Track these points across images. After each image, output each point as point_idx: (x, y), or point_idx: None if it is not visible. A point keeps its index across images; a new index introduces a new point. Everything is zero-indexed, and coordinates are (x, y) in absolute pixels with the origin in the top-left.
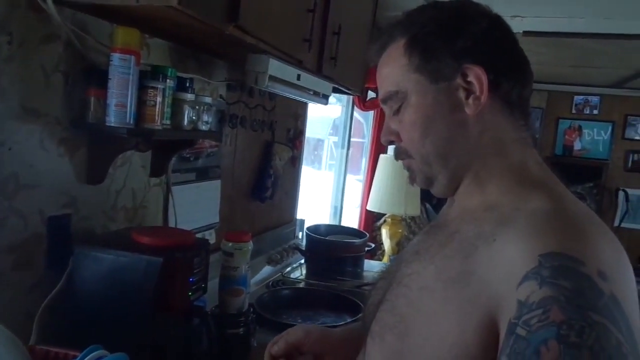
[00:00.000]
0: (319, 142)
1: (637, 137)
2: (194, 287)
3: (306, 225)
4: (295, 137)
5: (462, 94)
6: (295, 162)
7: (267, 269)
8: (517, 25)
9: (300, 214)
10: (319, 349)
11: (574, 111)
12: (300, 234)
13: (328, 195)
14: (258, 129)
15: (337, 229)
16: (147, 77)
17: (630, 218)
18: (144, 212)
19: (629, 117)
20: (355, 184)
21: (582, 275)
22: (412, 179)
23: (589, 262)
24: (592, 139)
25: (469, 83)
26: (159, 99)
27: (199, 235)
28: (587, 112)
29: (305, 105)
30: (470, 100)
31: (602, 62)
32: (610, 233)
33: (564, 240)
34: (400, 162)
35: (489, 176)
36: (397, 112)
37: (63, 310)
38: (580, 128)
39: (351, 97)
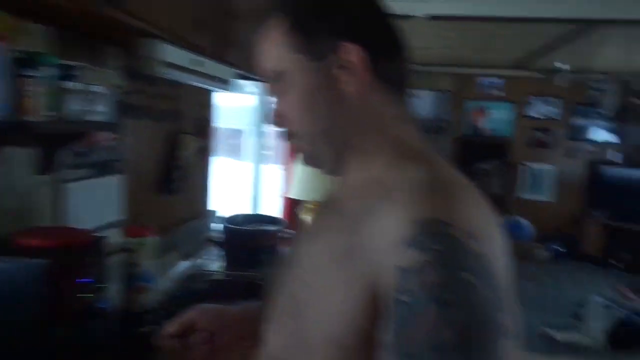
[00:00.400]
0: (237, 133)
1: (536, 115)
2: (88, 288)
3: (220, 216)
4: (203, 127)
5: (340, 72)
6: (204, 153)
7: (182, 264)
8: (425, 9)
9: (218, 206)
10: (214, 326)
11: (479, 92)
12: (216, 225)
13: (248, 185)
14: (161, 119)
15: (255, 218)
16: (22, 65)
17: (532, 190)
18: (33, 213)
19: (528, 96)
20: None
21: (452, 237)
22: (302, 160)
23: (457, 224)
24: (497, 118)
25: (346, 61)
26: (36, 89)
27: (101, 234)
28: (492, 93)
29: (211, 93)
30: (349, 79)
31: (504, 44)
32: (479, 196)
33: (435, 205)
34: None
35: (371, 152)
36: (281, 92)
37: None
38: (485, 109)
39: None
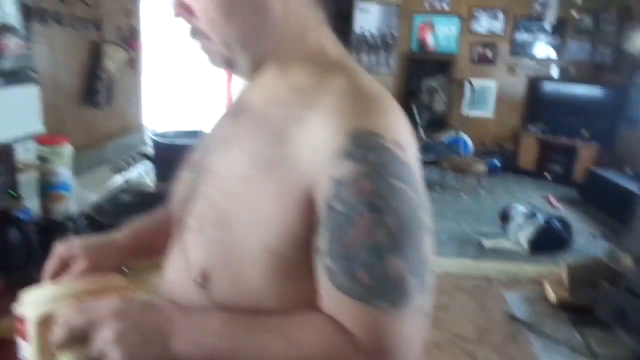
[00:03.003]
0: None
1: (480, 30)
2: (2, 197)
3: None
4: (129, 36)
5: None
6: (134, 65)
7: (114, 179)
8: None
9: (155, 122)
10: (92, 258)
11: (426, 6)
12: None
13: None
14: (80, 27)
15: (188, 133)
16: None
17: (475, 106)
18: None
19: (473, 9)
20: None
21: (384, 148)
22: (212, 62)
23: (387, 135)
24: (443, 34)
25: None
26: None
27: (18, 146)
28: (438, 6)
29: (136, 1)
30: None
31: None
32: (398, 106)
33: (366, 117)
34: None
35: (291, 60)
36: None
37: None
38: (432, 24)
39: None
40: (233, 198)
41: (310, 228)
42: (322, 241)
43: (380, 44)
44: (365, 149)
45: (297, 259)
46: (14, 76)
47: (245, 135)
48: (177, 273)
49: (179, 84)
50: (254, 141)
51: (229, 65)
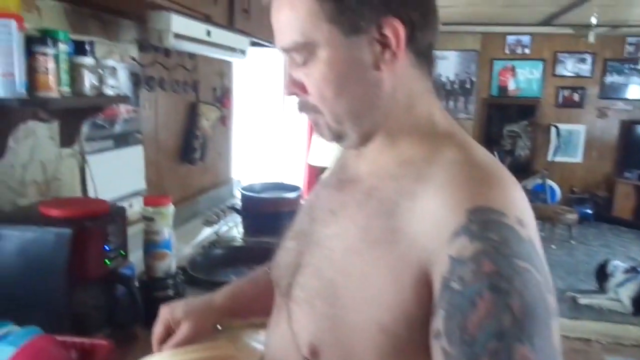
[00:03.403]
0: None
1: (566, 74)
2: (111, 255)
3: (244, 184)
4: (222, 95)
5: (377, 49)
6: (225, 122)
7: (205, 231)
8: None
9: (240, 174)
10: (196, 321)
11: (507, 51)
12: (238, 193)
13: (269, 152)
14: (180, 90)
15: (273, 186)
16: (36, 42)
17: (561, 152)
18: (58, 185)
19: (558, 54)
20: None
21: (506, 226)
22: (319, 134)
23: (509, 212)
24: (525, 78)
25: (384, 37)
26: (51, 65)
27: (124, 203)
28: (520, 51)
29: (230, 62)
30: (387, 56)
31: (530, 0)
32: (514, 178)
33: (486, 192)
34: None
35: (400, 131)
36: (304, 64)
37: None
38: (513, 68)
39: None
40: (342, 271)
41: (425, 307)
42: (439, 322)
43: (459, 90)
44: (486, 227)
45: (411, 339)
46: (123, 138)
47: (354, 206)
48: (283, 344)
49: (263, 137)
50: (364, 213)
51: (338, 138)
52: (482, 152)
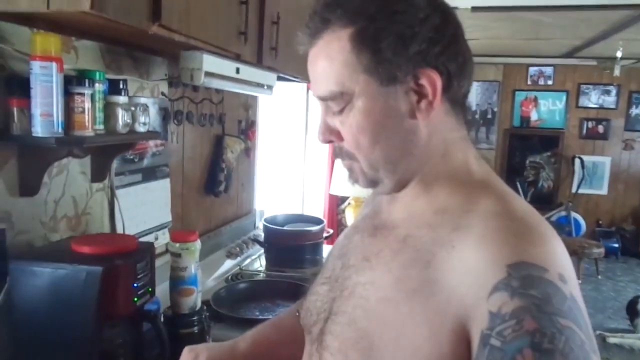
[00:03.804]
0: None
1: (590, 105)
2: (139, 293)
3: (266, 215)
4: (247, 128)
5: (413, 98)
6: (249, 154)
7: (227, 263)
8: (465, 2)
9: (261, 205)
10: None
11: (529, 82)
12: (260, 225)
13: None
14: (206, 123)
15: (296, 218)
16: (73, 83)
17: (586, 184)
18: (87, 219)
19: (581, 85)
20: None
21: (548, 282)
22: (353, 180)
23: (551, 268)
24: (548, 109)
25: (421, 86)
26: (87, 105)
27: (150, 237)
28: (542, 82)
29: (255, 95)
30: (423, 105)
31: (552, 33)
32: (554, 231)
33: (527, 247)
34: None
35: (435, 178)
36: (340, 112)
37: (3, 330)
38: (536, 99)
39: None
40: (377, 321)
41: None
42: None
43: (480, 120)
44: (527, 282)
45: None
46: (151, 172)
47: (389, 254)
48: None
49: (285, 168)
50: (399, 262)
51: (373, 184)
52: (520, 203)
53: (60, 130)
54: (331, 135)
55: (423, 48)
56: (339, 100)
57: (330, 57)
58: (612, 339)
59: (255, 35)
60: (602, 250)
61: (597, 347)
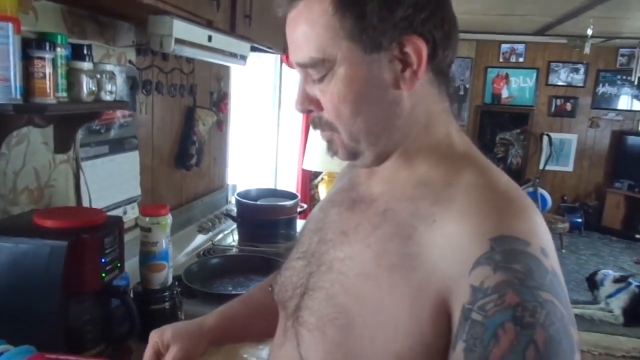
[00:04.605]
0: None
1: (559, 83)
2: (107, 268)
3: (238, 190)
4: (219, 100)
5: (398, 67)
6: (222, 126)
7: (199, 238)
8: None
9: (234, 179)
10: (185, 342)
11: (501, 59)
12: (233, 199)
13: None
14: (177, 94)
15: (269, 192)
16: (33, 46)
17: (553, 161)
18: (51, 191)
19: (551, 63)
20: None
21: (530, 256)
22: (333, 152)
23: (533, 242)
24: (519, 86)
25: (405, 54)
26: (48, 70)
27: (118, 211)
28: (514, 59)
29: (227, 66)
30: (407, 75)
31: (526, 9)
32: (534, 206)
33: (510, 221)
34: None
35: (417, 150)
36: (320, 80)
37: None
38: (507, 76)
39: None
40: (356, 297)
41: (444, 337)
42: (459, 354)
43: (453, 96)
44: (510, 256)
45: None
46: (119, 144)
47: (368, 228)
48: None
49: (257, 142)
50: (378, 236)
51: (353, 156)
52: (503, 177)
53: (18, 96)
54: (310, 104)
55: (409, 13)
56: (319, 67)
57: (311, 20)
58: (575, 310)
59: (228, 1)
60: (566, 225)
61: (574, 319)
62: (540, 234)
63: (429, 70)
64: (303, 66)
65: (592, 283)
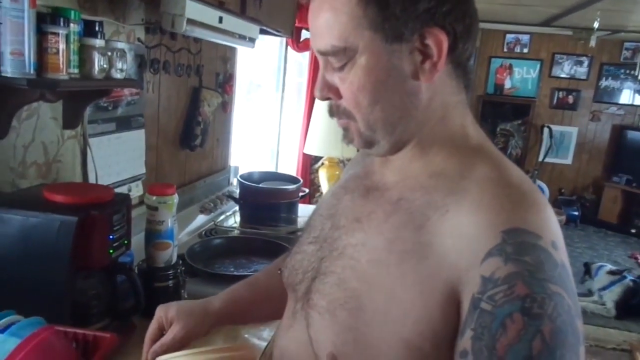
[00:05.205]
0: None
1: (562, 75)
2: (114, 245)
3: (241, 172)
4: (225, 81)
5: (418, 59)
6: (226, 108)
7: (200, 218)
8: None
9: (236, 161)
10: (189, 320)
11: (505, 50)
12: (235, 181)
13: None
14: (183, 74)
15: (272, 176)
16: (47, 21)
17: (553, 153)
18: (58, 167)
19: (555, 55)
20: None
21: (541, 249)
22: (348, 140)
23: (544, 235)
24: (522, 77)
25: (426, 46)
26: (61, 46)
27: (123, 188)
28: (518, 50)
29: (234, 48)
30: (427, 66)
31: (533, 0)
32: (546, 199)
33: (522, 214)
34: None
35: (432, 141)
36: (341, 68)
37: None
38: (511, 66)
39: (284, 38)
40: (367, 283)
41: (452, 325)
42: (467, 341)
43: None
44: (521, 249)
45: (436, 356)
46: (126, 122)
47: (381, 216)
48: (298, 349)
49: (261, 125)
50: (391, 224)
51: (369, 145)
52: (516, 170)
53: (32, 71)
54: (329, 92)
55: (432, 5)
56: (340, 55)
57: (335, 8)
58: None
59: None
60: (563, 217)
61: (580, 311)
62: (551, 227)
63: (448, 63)
64: (324, 54)
65: (586, 275)
